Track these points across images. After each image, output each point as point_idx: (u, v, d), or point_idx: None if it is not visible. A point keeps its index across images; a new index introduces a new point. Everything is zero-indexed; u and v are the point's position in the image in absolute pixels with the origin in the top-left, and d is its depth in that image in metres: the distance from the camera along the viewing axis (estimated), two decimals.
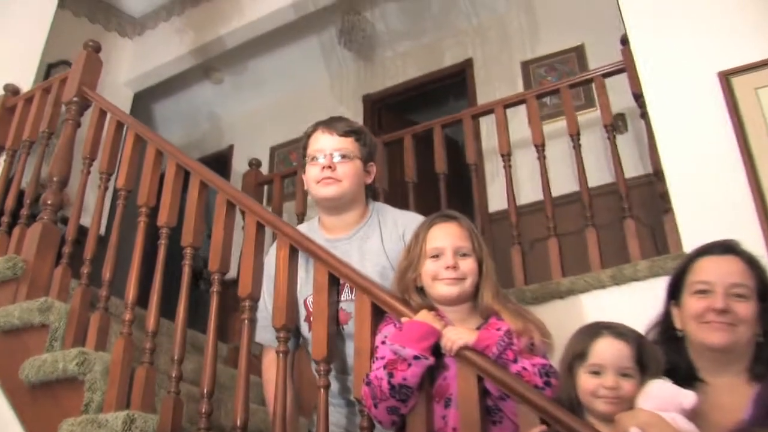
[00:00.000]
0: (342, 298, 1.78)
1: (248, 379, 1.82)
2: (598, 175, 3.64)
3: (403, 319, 1.51)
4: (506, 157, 3.06)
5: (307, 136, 1.92)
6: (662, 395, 1.30)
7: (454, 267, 1.54)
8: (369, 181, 1.93)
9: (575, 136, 2.97)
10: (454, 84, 5.21)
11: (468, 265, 1.56)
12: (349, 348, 1.73)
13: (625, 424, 1.25)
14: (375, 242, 1.83)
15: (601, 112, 3.00)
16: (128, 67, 5.20)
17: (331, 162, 1.82)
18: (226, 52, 5.13)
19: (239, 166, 5.34)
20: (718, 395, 1.39)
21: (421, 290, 1.60)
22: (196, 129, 6.20)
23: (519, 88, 4.56)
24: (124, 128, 2.54)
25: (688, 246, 2.43)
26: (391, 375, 1.41)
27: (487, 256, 1.60)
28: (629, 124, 4.14)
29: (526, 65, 4.73)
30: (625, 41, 2.99)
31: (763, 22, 2.64)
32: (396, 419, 1.45)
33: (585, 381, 1.38)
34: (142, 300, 2.14)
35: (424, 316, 1.48)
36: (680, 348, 1.46)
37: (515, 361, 1.41)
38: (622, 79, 3.02)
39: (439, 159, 3.24)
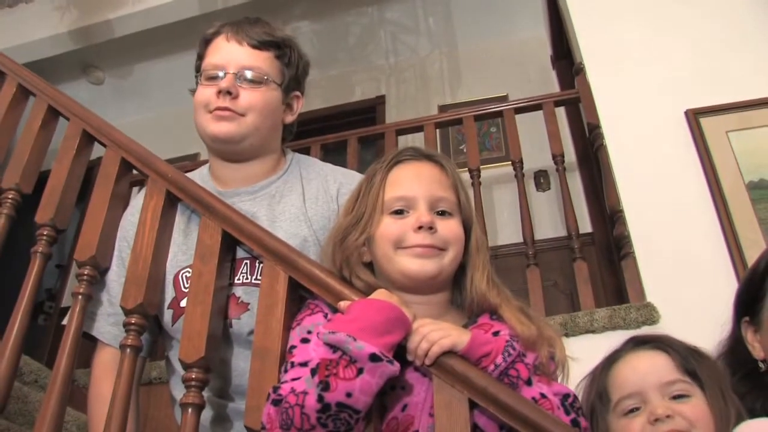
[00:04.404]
0: (236, 280, 1.15)
1: (63, 408, 1.11)
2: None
3: (343, 304, 0.92)
4: None
5: (205, 41, 1.26)
6: None
7: (431, 228, 0.96)
8: (290, 119, 1.32)
9: (475, 171, 2.54)
10: (361, 120, 4.76)
11: (451, 228, 0.97)
12: (237, 358, 1.12)
13: None
14: (293, 203, 1.22)
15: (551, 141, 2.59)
16: None
17: (233, 85, 1.19)
18: (111, 47, 4.45)
19: None
20: None
21: (368, 267, 1.00)
22: (63, 135, 5.32)
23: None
24: None
25: (653, 296, 2.07)
26: (324, 386, 0.79)
27: (477, 224, 1.03)
28: (552, 182, 3.84)
29: (444, 109, 4.38)
30: (579, 71, 2.68)
31: (733, 64, 2.41)
32: None
33: (624, 428, 0.90)
34: None
35: (386, 296, 0.90)
36: (765, 385, 0.96)
37: (529, 382, 0.85)
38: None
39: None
